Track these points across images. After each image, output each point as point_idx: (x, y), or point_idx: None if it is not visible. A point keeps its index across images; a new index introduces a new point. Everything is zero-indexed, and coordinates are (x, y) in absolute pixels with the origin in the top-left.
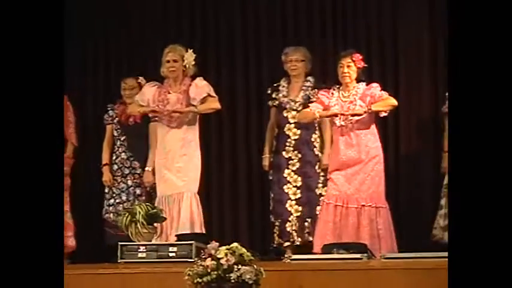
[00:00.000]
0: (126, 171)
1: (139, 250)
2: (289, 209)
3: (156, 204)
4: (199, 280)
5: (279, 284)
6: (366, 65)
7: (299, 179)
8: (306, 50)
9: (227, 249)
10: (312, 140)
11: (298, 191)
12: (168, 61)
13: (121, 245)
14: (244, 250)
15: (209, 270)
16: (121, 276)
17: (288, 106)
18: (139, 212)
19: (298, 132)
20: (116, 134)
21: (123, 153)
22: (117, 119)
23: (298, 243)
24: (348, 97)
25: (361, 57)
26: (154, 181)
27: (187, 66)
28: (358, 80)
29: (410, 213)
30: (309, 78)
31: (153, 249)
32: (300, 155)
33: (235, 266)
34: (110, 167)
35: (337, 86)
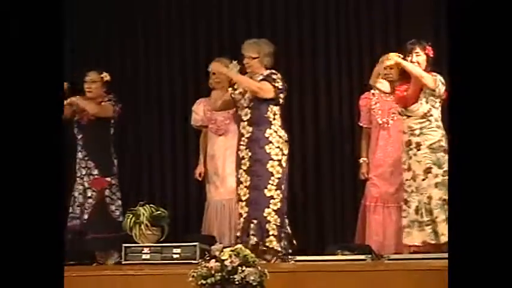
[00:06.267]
0: (83, 171)
1: (143, 251)
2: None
3: (206, 209)
4: (203, 282)
5: (283, 285)
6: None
7: (248, 178)
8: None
9: (231, 250)
10: (267, 135)
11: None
12: (214, 73)
13: (125, 247)
14: (248, 252)
15: (213, 272)
16: (125, 277)
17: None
18: (143, 214)
19: (251, 129)
20: (74, 131)
21: (78, 153)
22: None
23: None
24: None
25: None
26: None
27: None
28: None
29: None
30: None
31: (157, 251)
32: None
33: (239, 268)
34: None
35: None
